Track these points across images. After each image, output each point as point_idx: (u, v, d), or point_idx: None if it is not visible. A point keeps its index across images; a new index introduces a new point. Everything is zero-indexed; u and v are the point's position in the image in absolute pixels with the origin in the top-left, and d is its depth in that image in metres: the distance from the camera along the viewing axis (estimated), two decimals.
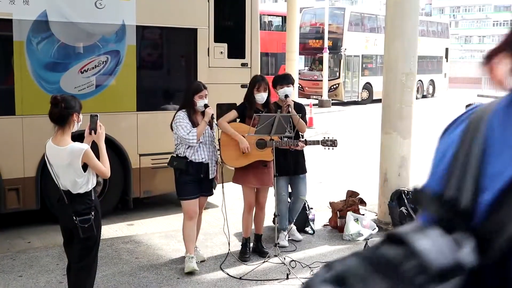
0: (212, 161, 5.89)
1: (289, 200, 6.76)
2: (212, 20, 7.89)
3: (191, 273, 5.66)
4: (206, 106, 5.77)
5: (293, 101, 6.42)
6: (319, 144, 6.18)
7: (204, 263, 5.96)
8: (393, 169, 7.33)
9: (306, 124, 6.60)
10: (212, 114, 5.77)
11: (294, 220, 6.82)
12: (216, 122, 5.93)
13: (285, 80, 6.47)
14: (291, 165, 6.44)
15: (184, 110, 5.77)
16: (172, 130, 5.79)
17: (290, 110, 6.18)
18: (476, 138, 0.89)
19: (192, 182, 5.77)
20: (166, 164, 6.17)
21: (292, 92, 6.46)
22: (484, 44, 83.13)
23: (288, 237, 6.66)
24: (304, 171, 6.62)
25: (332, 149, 6.22)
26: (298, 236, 6.80)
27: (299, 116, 6.20)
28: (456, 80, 46.60)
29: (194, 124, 5.70)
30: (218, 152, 6.01)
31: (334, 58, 28.39)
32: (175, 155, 5.80)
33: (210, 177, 5.88)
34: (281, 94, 6.37)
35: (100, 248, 4.59)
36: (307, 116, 8.22)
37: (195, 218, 5.84)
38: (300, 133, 6.40)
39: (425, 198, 0.91)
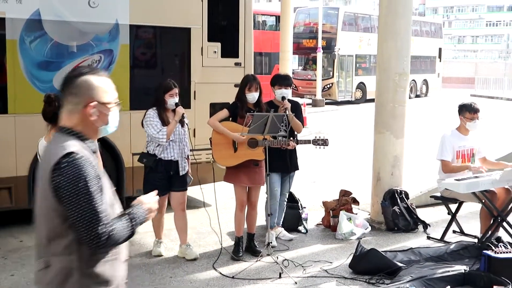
0: (182, 159, 5.98)
1: None
2: (205, 19, 7.87)
3: (158, 256, 6.12)
4: (177, 105, 5.86)
5: (289, 99, 6.41)
6: (310, 143, 6.18)
7: (197, 262, 5.96)
8: (386, 168, 7.35)
9: (303, 123, 6.60)
10: (183, 114, 5.87)
11: (282, 221, 6.81)
12: (187, 122, 6.02)
13: (284, 81, 6.46)
14: (286, 162, 6.44)
15: (154, 108, 5.85)
16: (143, 127, 5.86)
17: (287, 113, 6.17)
18: None
19: (160, 180, 5.87)
20: None
21: (289, 94, 6.46)
22: (477, 44, 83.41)
23: (276, 239, 6.61)
24: (296, 168, 6.65)
25: (323, 148, 6.22)
26: (289, 235, 6.79)
27: (293, 114, 6.21)
28: (450, 80, 46.74)
29: (164, 123, 5.81)
30: (211, 151, 6.02)
31: (327, 57, 28.42)
32: (146, 152, 5.88)
33: (181, 174, 5.94)
34: (278, 95, 6.37)
35: None
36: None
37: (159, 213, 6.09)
38: (295, 132, 6.41)
39: None
